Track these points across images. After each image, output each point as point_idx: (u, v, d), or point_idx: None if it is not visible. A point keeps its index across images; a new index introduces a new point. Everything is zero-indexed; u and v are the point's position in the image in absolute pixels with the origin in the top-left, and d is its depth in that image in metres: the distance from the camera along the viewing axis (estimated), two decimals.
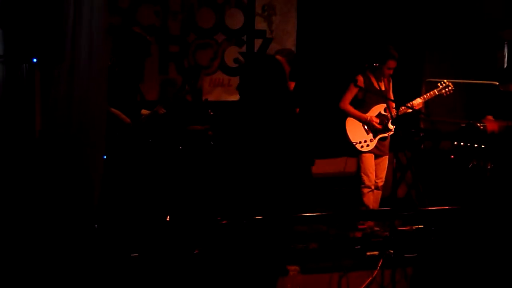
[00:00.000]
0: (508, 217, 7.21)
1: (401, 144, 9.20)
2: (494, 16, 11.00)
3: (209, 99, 10.18)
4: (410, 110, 8.79)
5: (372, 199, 9.00)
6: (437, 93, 8.90)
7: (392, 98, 8.96)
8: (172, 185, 8.57)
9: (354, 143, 8.92)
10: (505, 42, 11.11)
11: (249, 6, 10.69)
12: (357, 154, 9.01)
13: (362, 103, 8.95)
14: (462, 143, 9.15)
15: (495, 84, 9.28)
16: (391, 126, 8.88)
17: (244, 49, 10.70)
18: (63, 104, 6.68)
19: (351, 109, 8.93)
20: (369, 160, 8.92)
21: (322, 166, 10.19)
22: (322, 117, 10.24)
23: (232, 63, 10.64)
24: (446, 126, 10.16)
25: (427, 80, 10.83)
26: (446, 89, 8.88)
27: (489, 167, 8.86)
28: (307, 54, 10.71)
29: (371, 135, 8.89)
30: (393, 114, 8.70)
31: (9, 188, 6.55)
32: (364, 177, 8.93)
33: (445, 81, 8.90)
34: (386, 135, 8.92)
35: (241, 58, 10.62)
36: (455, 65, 11.04)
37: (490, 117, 9.04)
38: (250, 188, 8.93)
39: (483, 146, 8.99)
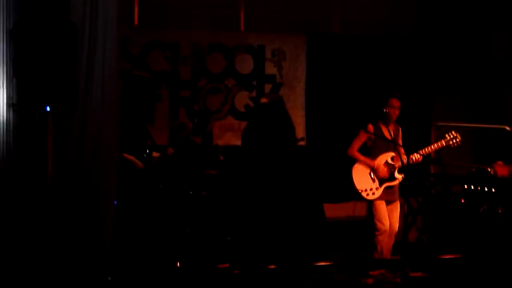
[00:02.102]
0: None
1: (412, 189, 9.20)
2: (503, 59, 11.04)
3: (219, 144, 10.20)
4: (421, 159, 8.76)
5: (386, 243, 8.89)
6: (444, 144, 8.85)
7: (401, 148, 8.94)
8: (183, 231, 8.58)
9: (360, 191, 8.89)
10: None
11: (259, 51, 10.75)
12: (367, 200, 8.99)
13: (370, 152, 8.95)
14: (472, 187, 9.14)
15: (505, 129, 9.29)
16: (397, 175, 8.85)
17: (254, 94, 10.74)
18: (75, 151, 6.73)
19: (359, 155, 8.93)
20: (382, 207, 8.86)
21: (331, 210, 10.18)
22: (331, 163, 10.25)
23: (242, 108, 10.67)
24: (456, 170, 10.15)
25: (437, 124, 10.86)
26: (454, 141, 8.83)
27: (500, 211, 8.84)
28: (316, 100, 10.74)
29: (377, 183, 8.86)
30: (403, 161, 8.69)
31: (22, 234, 6.57)
32: (379, 224, 8.85)
33: (453, 132, 8.85)
34: (392, 184, 8.88)
35: (251, 103, 10.67)
36: (465, 108, 11.05)
37: (500, 163, 9.03)
38: (261, 235, 8.96)
39: (493, 190, 8.98)
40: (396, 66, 11.00)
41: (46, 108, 6.50)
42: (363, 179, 8.90)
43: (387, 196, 8.88)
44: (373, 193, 8.85)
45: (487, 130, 10.51)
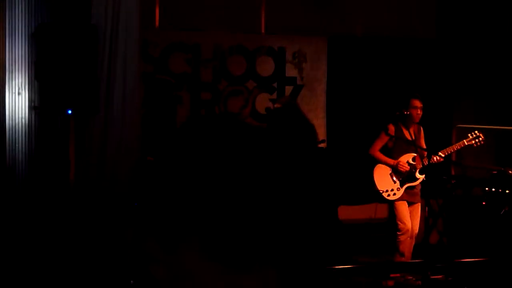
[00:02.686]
0: None
1: (433, 191, 9.20)
2: None
3: None
4: (442, 159, 8.75)
5: (408, 246, 8.90)
6: (466, 144, 8.84)
7: (424, 147, 8.93)
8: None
9: (381, 192, 8.89)
10: None
11: (280, 54, 10.77)
12: (388, 201, 8.99)
13: (391, 152, 8.95)
14: (493, 189, 9.11)
15: None
16: (419, 176, 8.84)
17: (275, 96, 10.75)
18: (97, 154, 6.78)
19: (380, 155, 8.94)
20: (403, 207, 8.85)
21: (353, 213, 10.18)
22: (352, 165, 10.24)
23: (263, 110, 10.69)
24: (477, 172, 10.12)
25: (458, 125, 10.83)
26: (476, 140, 8.82)
27: None
28: (337, 101, 10.75)
29: (398, 183, 8.86)
30: (425, 163, 8.69)
31: (44, 237, 6.62)
32: (401, 225, 8.83)
33: (476, 132, 8.84)
34: (413, 184, 8.87)
35: (272, 106, 10.68)
36: (486, 110, 11.02)
37: None
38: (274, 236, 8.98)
39: None
40: (417, 68, 10.99)
41: (67, 111, 6.55)
42: (384, 180, 8.91)
43: (409, 198, 8.88)
44: (394, 194, 8.85)
45: (508, 132, 10.47)
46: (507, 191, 8.99)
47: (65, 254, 6.54)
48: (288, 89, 10.79)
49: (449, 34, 11.10)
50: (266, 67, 10.76)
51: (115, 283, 6.60)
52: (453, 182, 9.59)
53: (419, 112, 8.87)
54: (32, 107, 6.69)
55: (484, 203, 9.31)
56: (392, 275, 8.29)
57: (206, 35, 10.48)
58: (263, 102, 10.72)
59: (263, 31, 10.75)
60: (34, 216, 6.59)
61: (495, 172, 9.22)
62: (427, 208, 9.43)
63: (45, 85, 6.50)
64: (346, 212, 10.02)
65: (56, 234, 6.57)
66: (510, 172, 8.91)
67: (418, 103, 8.85)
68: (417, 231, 8.95)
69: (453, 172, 10.67)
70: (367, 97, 10.74)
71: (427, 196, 9.35)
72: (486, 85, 11.06)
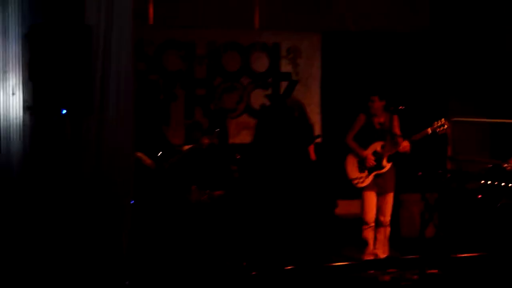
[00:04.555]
0: None
1: (429, 185, 9.26)
2: None
3: (235, 142, 10.24)
4: (408, 147, 8.87)
5: (372, 235, 9.17)
6: (430, 132, 8.93)
7: (399, 134, 9.03)
8: (199, 232, 8.62)
9: (351, 179, 9.12)
10: None
11: (274, 49, 10.77)
12: (357, 188, 9.14)
13: (364, 140, 9.15)
14: (489, 182, 9.13)
15: None
16: (385, 164, 9.04)
17: (269, 92, 10.76)
18: (92, 153, 6.76)
19: (353, 144, 9.22)
20: (369, 198, 9.15)
21: (346, 207, 10.20)
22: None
23: (258, 106, 10.70)
24: (473, 166, 10.14)
25: (453, 119, 10.83)
26: (441, 128, 8.94)
27: None
28: (332, 97, 10.76)
29: (366, 171, 9.05)
30: (400, 150, 8.89)
31: (37, 237, 6.61)
32: (363, 214, 9.16)
33: (442, 120, 8.95)
34: (381, 172, 9.07)
35: (266, 101, 10.69)
36: (480, 103, 11.03)
37: None
38: (273, 233, 9.01)
39: (510, 185, 8.96)
40: (411, 62, 11.00)
41: (62, 111, 6.53)
42: (354, 169, 9.19)
43: (378, 187, 9.14)
44: (363, 181, 9.14)
45: (503, 125, 10.48)
46: (502, 184, 9.00)
47: (60, 255, 6.53)
48: (283, 85, 10.79)
49: (443, 26, 11.10)
50: (261, 63, 10.77)
51: (110, 283, 6.60)
52: (448, 176, 9.60)
53: (374, 105, 9.10)
54: (26, 108, 6.66)
55: (479, 196, 9.32)
56: (388, 270, 8.29)
57: (200, 32, 10.49)
58: (258, 98, 10.73)
59: (257, 27, 10.73)
60: (29, 217, 6.57)
61: (490, 165, 9.24)
62: (423, 203, 9.47)
63: (39, 86, 6.47)
64: (340, 207, 10.06)
65: (51, 235, 6.56)
66: (505, 165, 8.93)
67: (374, 98, 9.10)
68: (388, 220, 9.19)
69: (448, 166, 10.68)
70: (362, 92, 10.72)
71: (423, 190, 9.40)
72: (481, 78, 11.07)
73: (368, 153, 9.09)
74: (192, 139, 9.19)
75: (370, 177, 9.07)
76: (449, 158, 10.67)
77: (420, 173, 9.27)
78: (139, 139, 7.72)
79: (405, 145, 8.89)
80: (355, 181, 9.12)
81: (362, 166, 9.10)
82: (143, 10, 10.18)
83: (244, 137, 10.64)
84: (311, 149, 9.14)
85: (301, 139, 9.29)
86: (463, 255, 7.84)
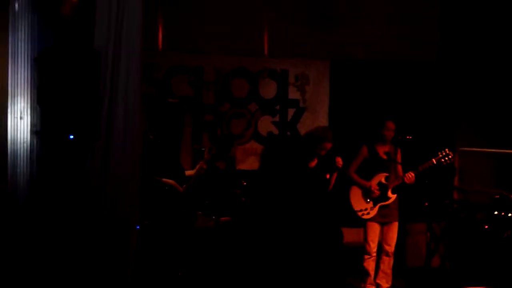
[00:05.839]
0: None
1: (435, 215, 9.25)
2: None
3: (242, 168, 10.23)
4: (414, 178, 8.86)
5: (373, 266, 9.17)
6: (435, 162, 8.93)
7: (399, 168, 9.05)
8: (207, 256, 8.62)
9: (356, 211, 9.12)
10: None
11: (282, 76, 10.78)
12: (363, 219, 9.14)
13: (367, 172, 9.14)
14: (496, 213, 9.11)
15: None
16: (391, 195, 9.04)
17: (277, 118, 10.76)
18: (98, 179, 6.76)
19: (355, 176, 9.24)
20: (372, 228, 9.15)
21: (350, 235, 10.17)
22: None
23: (265, 133, 10.70)
24: (479, 196, 10.11)
25: (460, 149, 10.82)
26: (446, 158, 8.94)
27: None
28: (339, 124, 10.75)
29: (371, 203, 9.04)
30: (406, 181, 8.88)
31: (44, 261, 6.61)
32: (366, 244, 9.16)
33: (446, 150, 8.96)
34: (386, 203, 9.05)
35: (274, 128, 10.70)
36: (488, 134, 11.00)
37: None
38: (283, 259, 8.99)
39: None
40: (419, 91, 11.00)
41: (69, 136, 6.55)
42: (359, 200, 9.18)
43: (382, 218, 9.14)
44: (368, 213, 9.15)
45: (510, 155, 10.46)
46: (509, 215, 8.98)
47: (66, 279, 6.53)
48: (291, 112, 10.79)
49: (450, 57, 11.10)
50: (269, 89, 10.78)
51: None
52: (455, 206, 9.59)
53: (392, 134, 9.16)
54: (33, 132, 6.69)
55: (486, 226, 9.30)
56: None
57: (209, 58, 10.52)
58: (265, 124, 10.73)
59: (266, 54, 10.76)
60: (35, 241, 6.58)
61: (497, 196, 9.22)
62: (429, 233, 9.46)
63: (47, 110, 6.50)
64: (343, 234, 10.04)
65: (56, 259, 6.56)
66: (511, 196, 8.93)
67: (391, 125, 9.16)
68: (393, 249, 9.19)
69: (455, 197, 10.66)
70: (369, 119, 10.73)
71: (429, 220, 9.39)
72: (488, 108, 11.05)
73: (373, 183, 9.07)
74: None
75: (375, 209, 9.06)
76: (456, 188, 10.66)
77: (426, 203, 9.26)
78: (161, 165, 7.81)
79: (410, 176, 8.88)
80: (360, 213, 9.12)
81: (367, 196, 9.08)
82: (153, 35, 10.23)
83: (251, 164, 10.64)
84: (333, 178, 9.08)
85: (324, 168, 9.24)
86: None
